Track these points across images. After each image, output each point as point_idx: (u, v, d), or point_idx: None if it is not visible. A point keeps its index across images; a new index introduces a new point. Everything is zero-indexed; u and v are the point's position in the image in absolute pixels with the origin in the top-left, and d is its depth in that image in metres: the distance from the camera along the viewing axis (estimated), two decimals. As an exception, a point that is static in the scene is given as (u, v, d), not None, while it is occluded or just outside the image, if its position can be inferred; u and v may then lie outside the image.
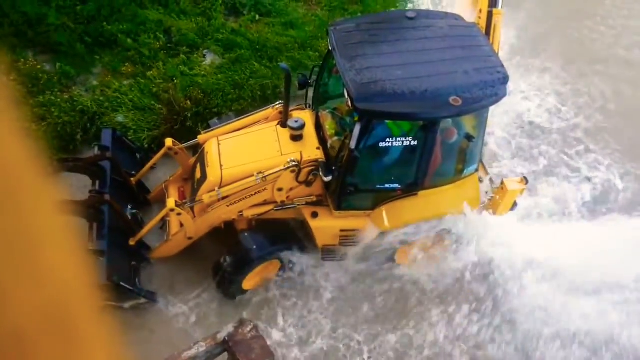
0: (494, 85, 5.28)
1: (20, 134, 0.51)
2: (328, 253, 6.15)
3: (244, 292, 6.12)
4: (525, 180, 5.80)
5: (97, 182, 6.17)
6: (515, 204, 6.01)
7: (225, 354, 3.50)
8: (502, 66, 5.40)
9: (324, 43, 8.35)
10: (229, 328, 3.34)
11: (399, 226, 5.72)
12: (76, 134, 7.21)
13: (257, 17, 9.01)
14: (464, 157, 5.93)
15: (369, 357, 5.75)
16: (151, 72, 7.86)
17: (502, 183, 5.81)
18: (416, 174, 5.63)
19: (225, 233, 6.13)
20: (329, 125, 6.07)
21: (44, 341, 0.52)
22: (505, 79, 5.31)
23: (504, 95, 5.34)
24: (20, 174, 0.51)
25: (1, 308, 0.48)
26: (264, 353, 3.29)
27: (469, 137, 5.76)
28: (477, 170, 6.09)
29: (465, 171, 5.93)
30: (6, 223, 0.48)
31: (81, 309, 0.58)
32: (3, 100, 0.50)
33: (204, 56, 8.30)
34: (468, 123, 5.84)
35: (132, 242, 5.94)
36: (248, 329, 3.33)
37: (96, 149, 6.40)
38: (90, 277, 0.60)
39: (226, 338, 3.31)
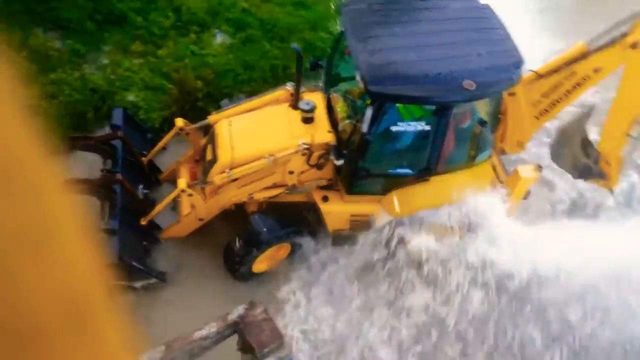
0: (508, 70, 5.21)
1: (25, 114, 0.50)
2: (338, 238, 6.16)
3: (254, 275, 6.16)
4: (539, 167, 5.75)
5: (109, 161, 6.19)
6: (528, 192, 5.96)
7: (235, 335, 3.52)
8: (517, 49, 5.30)
9: (336, 24, 8.26)
10: (240, 310, 3.37)
11: (410, 212, 5.71)
12: (87, 112, 7.20)
13: (269, -6, 8.88)
14: (477, 143, 5.88)
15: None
16: (161, 51, 7.81)
17: (515, 170, 5.76)
18: (428, 159, 5.59)
19: (236, 215, 6.15)
20: (340, 108, 6.03)
21: (59, 329, 0.51)
22: (519, 63, 5.23)
23: (519, 79, 5.28)
24: (27, 155, 0.50)
25: (14, 296, 0.47)
26: (274, 335, 3.32)
27: (482, 123, 5.70)
28: (490, 157, 6.03)
29: (478, 157, 5.88)
30: (15, 205, 0.47)
31: (96, 295, 0.57)
32: (6, 80, 0.48)
33: (215, 36, 8.22)
34: (481, 108, 5.78)
35: (143, 222, 5.98)
36: (258, 311, 3.36)
37: (108, 128, 6.41)
38: (103, 261, 0.59)
39: (237, 319, 3.34)
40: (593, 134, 6.20)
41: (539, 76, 5.81)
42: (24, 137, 0.50)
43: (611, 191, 6.35)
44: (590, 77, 5.59)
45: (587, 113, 6.22)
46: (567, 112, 6.15)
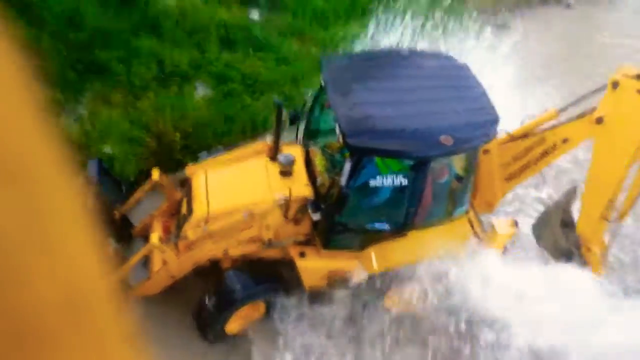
0: (485, 126, 5.27)
1: (30, 110, 0.50)
2: (315, 296, 5.96)
3: (227, 336, 5.90)
4: (515, 223, 5.71)
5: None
6: (505, 248, 5.89)
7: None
8: (493, 107, 5.39)
9: (315, 79, 8.36)
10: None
11: (388, 268, 5.58)
12: (61, 164, 7.04)
13: (251, 51, 9.02)
14: (454, 198, 5.85)
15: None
16: (141, 103, 7.79)
17: (492, 226, 5.71)
18: (406, 214, 5.53)
19: (208, 271, 5.94)
20: (319, 162, 5.99)
21: (62, 328, 0.52)
22: (495, 120, 5.30)
23: (495, 135, 5.34)
24: (30, 151, 0.50)
25: (18, 293, 0.47)
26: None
27: (459, 178, 5.71)
28: (467, 212, 5.99)
29: (455, 212, 5.84)
30: (19, 203, 0.47)
31: (99, 294, 0.58)
32: (11, 78, 0.49)
33: (196, 88, 8.25)
34: (458, 163, 5.79)
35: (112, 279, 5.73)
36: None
37: (80, 179, 6.26)
38: (107, 265, 0.59)
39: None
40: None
41: (512, 138, 5.91)
42: (27, 134, 0.50)
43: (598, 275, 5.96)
44: (558, 147, 5.65)
45: (571, 193, 6.19)
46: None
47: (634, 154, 5.14)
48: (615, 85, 5.15)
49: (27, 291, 0.48)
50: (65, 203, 0.54)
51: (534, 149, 5.77)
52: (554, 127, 5.64)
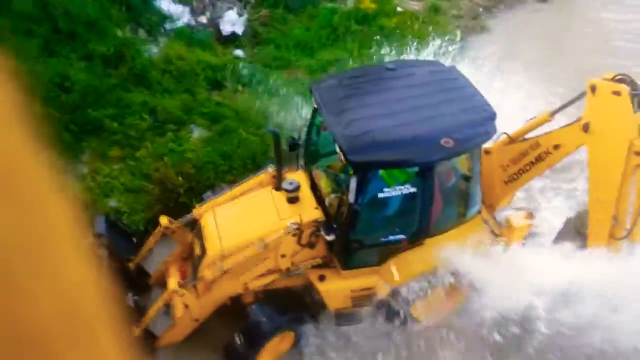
0: (483, 124, 5.30)
1: (25, 124, 0.52)
2: (342, 317, 5.89)
3: (260, 370, 5.81)
4: (531, 214, 5.68)
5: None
6: (524, 241, 5.85)
7: None
8: (488, 104, 5.44)
9: (308, 105, 8.44)
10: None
11: (410, 278, 5.53)
12: (68, 224, 7.05)
13: (240, 87, 9.12)
14: (465, 199, 5.84)
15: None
16: (140, 153, 7.84)
17: (507, 221, 5.68)
18: (419, 222, 5.52)
19: (232, 310, 5.88)
20: (324, 184, 5.99)
21: (58, 339, 0.52)
22: (493, 116, 5.34)
23: (495, 132, 5.36)
24: (26, 165, 0.52)
25: (15, 305, 0.48)
26: None
27: (466, 178, 5.71)
28: (479, 212, 5.97)
29: (468, 213, 5.82)
30: (17, 216, 0.48)
31: (95, 307, 0.58)
32: (5, 93, 0.51)
33: (192, 131, 8.31)
34: (463, 164, 5.79)
35: (136, 332, 5.68)
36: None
37: (91, 237, 6.24)
38: (103, 282, 0.60)
39: None
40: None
41: (511, 140, 5.95)
42: (23, 147, 0.52)
43: None
44: (551, 153, 5.65)
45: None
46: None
47: (627, 158, 5.06)
48: (593, 89, 5.19)
49: (25, 303, 0.49)
50: (61, 217, 0.56)
51: (530, 153, 5.80)
52: (547, 132, 5.68)
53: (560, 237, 6.12)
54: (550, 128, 5.80)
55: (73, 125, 8.38)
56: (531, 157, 5.78)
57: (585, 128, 5.24)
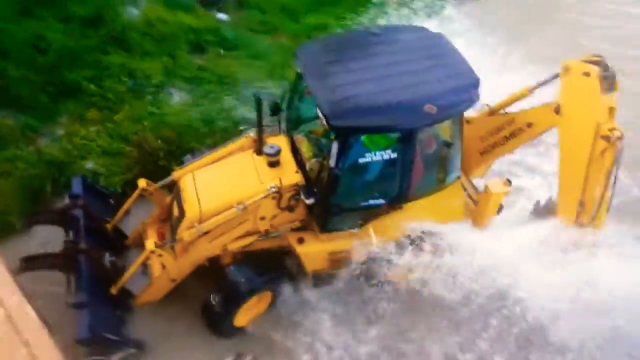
0: (467, 90, 5.31)
1: None
2: (319, 279, 5.95)
3: (237, 329, 5.85)
4: (509, 182, 5.75)
5: (71, 232, 5.91)
6: (501, 207, 5.94)
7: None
8: (472, 71, 5.44)
9: (292, 70, 8.35)
10: (227, 363, 3.13)
11: (388, 241, 5.58)
12: (45, 185, 6.97)
13: (222, 52, 8.98)
14: (445, 166, 5.88)
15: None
16: (118, 116, 7.71)
17: (485, 187, 5.74)
18: (399, 187, 5.54)
19: (210, 271, 5.88)
20: (305, 148, 5.97)
21: None
22: (476, 83, 5.34)
23: (478, 99, 5.36)
24: None
25: None
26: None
27: (448, 144, 5.73)
28: (459, 177, 6.03)
29: (447, 179, 5.87)
30: None
31: None
32: None
33: (171, 94, 8.18)
34: (445, 130, 5.82)
35: (113, 291, 5.66)
36: (247, 359, 3.11)
37: (67, 198, 6.16)
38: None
39: (224, 374, 3.09)
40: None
41: (491, 111, 5.99)
42: None
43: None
44: (524, 130, 5.69)
45: None
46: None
47: (594, 142, 5.04)
48: (566, 70, 5.19)
49: None
50: None
51: (505, 128, 5.84)
52: (524, 110, 5.72)
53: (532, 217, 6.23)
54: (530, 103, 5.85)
55: (49, 87, 8.21)
56: (506, 132, 5.83)
57: (557, 110, 5.26)
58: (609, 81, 5.05)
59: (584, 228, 5.42)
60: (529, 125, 5.61)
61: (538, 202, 5.96)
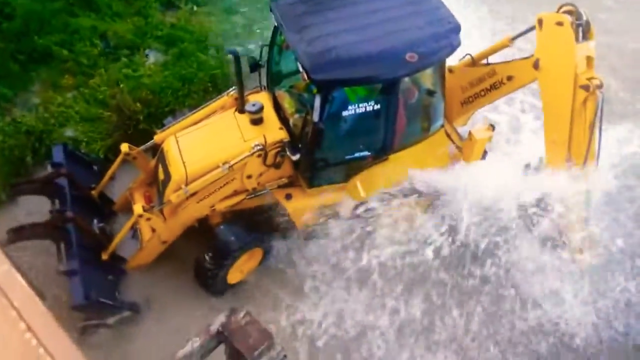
0: (448, 36, 5.25)
1: None
2: (309, 233, 6.03)
3: (230, 286, 5.95)
4: (492, 127, 5.79)
5: (57, 201, 5.87)
6: (485, 153, 6.00)
7: (222, 346, 3.34)
8: (453, 16, 5.37)
9: (268, 26, 8.16)
10: (221, 318, 3.19)
11: (375, 193, 5.65)
12: (25, 156, 6.85)
13: (195, 7, 8.72)
14: (429, 114, 5.90)
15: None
16: (94, 80, 7.50)
17: (469, 133, 5.78)
18: (384, 138, 5.57)
19: (200, 232, 5.92)
20: (288, 104, 5.92)
21: None
22: (457, 29, 5.29)
23: (459, 44, 5.31)
24: None
25: None
26: (262, 336, 3.15)
27: (430, 93, 5.73)
28: (443, 126, 6.05)
29: (431, 128, 5.90)
30: None
31: None
32: None
33: (147, 56, 7.97)
34: (427, 79, 5.80)
35: (105, 256, 5.70)
36: (241, 315, 3.18)
37: (49, 167, 6.07)
38: None
39: (219, 329, 3.15)
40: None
41: (473, 62, 5.94)
42: None
43: None
44: (504, 83, 5.63)
45: None
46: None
47: (574, 94, 4.96)
48: (540, 23, 5.10)
49: None
50: None
51: (486, 80, 5.80)
52: (505, 62, 5.66)
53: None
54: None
55: (19, 54, 7.93)
56: (487, 84, 5.80)
57: (536, 65, 5.21)
58: (583, 29, 5.01)
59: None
60: (509, 78, 5.57)
61: (529, 165, 6.00)
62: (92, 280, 5.31)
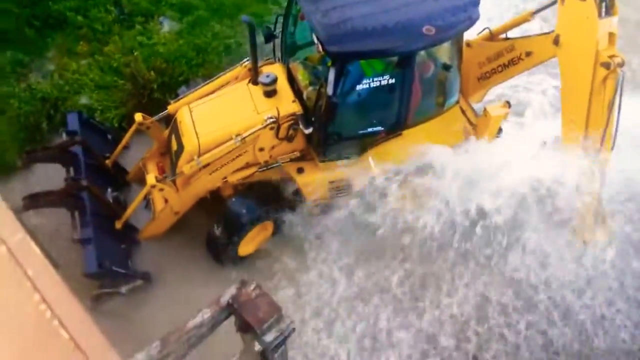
0: (466, 9, 5.13)
1: None
2: (319, 208, 6.02)
3: (241, 259, 6.01)
4: (508, 104, 5.68)
5: (71, 169, 5.93)
6: (500, 130, 5.91)
7: (232, 318, 3.39)
8: None
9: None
10: (232, 290, 3.22)
11: (388, 169, 5.60)
12: (41, 122, 6.90)
13: (211, -25, 8.55)
14: (444, 90, 5.80)
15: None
16: (108, 48, 7.47)
17: (484, 110, 5.68)
18: (398, 113, 5.50)
19: (212, 203, 5.96)
20: (302, 76, 5.86)
21: None
22: (476, 1, 5.14)
23: (478, 17, 5.18)
24: None
25: None
26: (272, 309, 3.19)
27: (447, 67, 5.62)
28: (458, 102, 5.95)
29: (446, 104, 5.80)
30: None
31: None
32: None
33: (161, 23, 7.89)
34: (444, 53, 5.67)
35: (118, 225, 5.77)
36: (251, 288, 3.22)
37: (64, 134, 6.11)
38: None
39: (230, 301, 3.19)
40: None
41: (492, 36, 5.78)
42: None
43: None
44: (522, 59, 5.46)
45: None
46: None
47: (594, 71, 4.77)
48: None
49: None
50: None
51: (504, 55, 5.64)
52: (524, 37, 5.49)
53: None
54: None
55: (34, 20, 7.91)
56: (505, 60, 5.65)
57: (556, 41, 5.03)
58: (606, 4, 4.82)
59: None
60: (528, 54, 5.42)
61: (544, 143, 5.87)
62: (106, 248, 5.40)
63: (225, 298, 3.25)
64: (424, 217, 5.62)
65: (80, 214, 5.53)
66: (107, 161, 6.30)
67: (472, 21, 5.13)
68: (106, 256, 5.30)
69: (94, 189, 5.66)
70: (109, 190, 6.07)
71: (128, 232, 5.91)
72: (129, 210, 5.76)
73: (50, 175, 6.25)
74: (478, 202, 5.46)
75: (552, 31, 5.12)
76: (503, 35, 5.80)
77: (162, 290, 5.79)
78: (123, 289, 5.59)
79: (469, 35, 5.61)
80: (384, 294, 5.93)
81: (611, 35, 4.82)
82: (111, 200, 5.96)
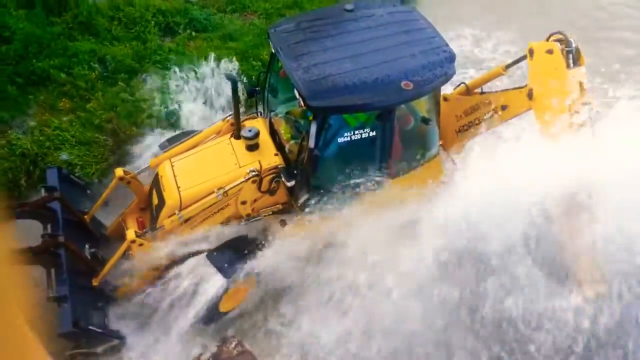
0: (442, 65, 5.29)
1: None
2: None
3: (222, 315, 5.84)
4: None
5: (49, 225, 5.80)
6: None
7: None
8: (447, 45, 5.42)
9: (266, 51, 8.23)
10: (212, 348, 3.12)
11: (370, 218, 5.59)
12: (19, 179, 6.83)
13: (193, 33, 8.80)
14: (424, 142, 5.89)
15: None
16: (90, 104, 7.53)
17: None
18: (378, 166, 5.54)
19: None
20: (284, 130, 5.93)
21: None
22: (452, 58, 5.33)
23: (453, 73, 5.36)
24: None
25: None
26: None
27: (426, 120, 5.74)
28: (437, 154, 6.05)
29: (426, 156, 5.89)
30: None
31: None
32: None
33: (144, 80, 7.99)
34: (422, 107, 5.81)
35: (95, 283, 5.60)
36: (233, 345, 3.12)
37: (42, 190, 6.02)
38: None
39: (210, 359, 3.09)
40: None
41: (468, 90, 5.97)
42: None
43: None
44: (499, 112, 5.59)
45: None
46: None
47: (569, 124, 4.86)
48: (531, 53, 5.14)
49: None
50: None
51: (480, 109, 5.80)
52: (500, 91, 5.67)
53: None
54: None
55: (17, 77, 7.96)
56: (481, 113, 5.80)
57: (530, 95, 5.19)
58: (573, 56, 5.04)
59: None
60: (504, 107, 5.56)
61: None
62: (82, 307, 5.21)
63: (206, 356, 3.15)
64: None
65: (57, 271, 5.36)
66: (86, 216, 6.20)
67: (447, 77, 5.31)
68: (82, 315, 5.11)
69: (71, 245, 5.53)
70: (87, 246, 5.93)
71: (106, 289, 5.73)
72: (107, 267, 5.61)
73: (27, 232, 6.09)
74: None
75: (526, 85, 5.29)
76: (478, 90, 5.98)
77: (141, 349, 5.54)
78: (99, 349, 5.37)
79: (446, 89, 5.77)
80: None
81: (581, 84, 5.02)
82: (89, 257, 5.82)
